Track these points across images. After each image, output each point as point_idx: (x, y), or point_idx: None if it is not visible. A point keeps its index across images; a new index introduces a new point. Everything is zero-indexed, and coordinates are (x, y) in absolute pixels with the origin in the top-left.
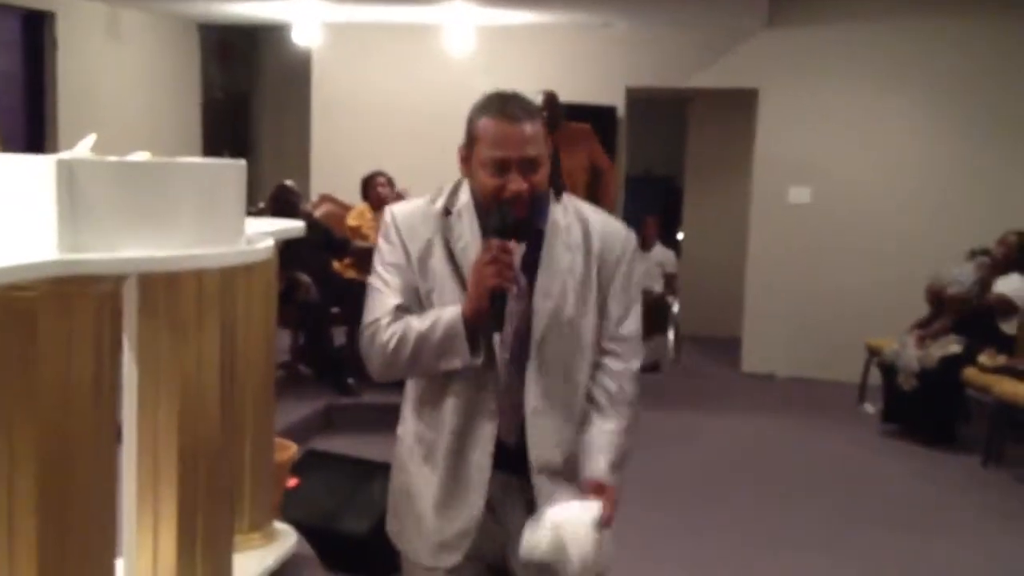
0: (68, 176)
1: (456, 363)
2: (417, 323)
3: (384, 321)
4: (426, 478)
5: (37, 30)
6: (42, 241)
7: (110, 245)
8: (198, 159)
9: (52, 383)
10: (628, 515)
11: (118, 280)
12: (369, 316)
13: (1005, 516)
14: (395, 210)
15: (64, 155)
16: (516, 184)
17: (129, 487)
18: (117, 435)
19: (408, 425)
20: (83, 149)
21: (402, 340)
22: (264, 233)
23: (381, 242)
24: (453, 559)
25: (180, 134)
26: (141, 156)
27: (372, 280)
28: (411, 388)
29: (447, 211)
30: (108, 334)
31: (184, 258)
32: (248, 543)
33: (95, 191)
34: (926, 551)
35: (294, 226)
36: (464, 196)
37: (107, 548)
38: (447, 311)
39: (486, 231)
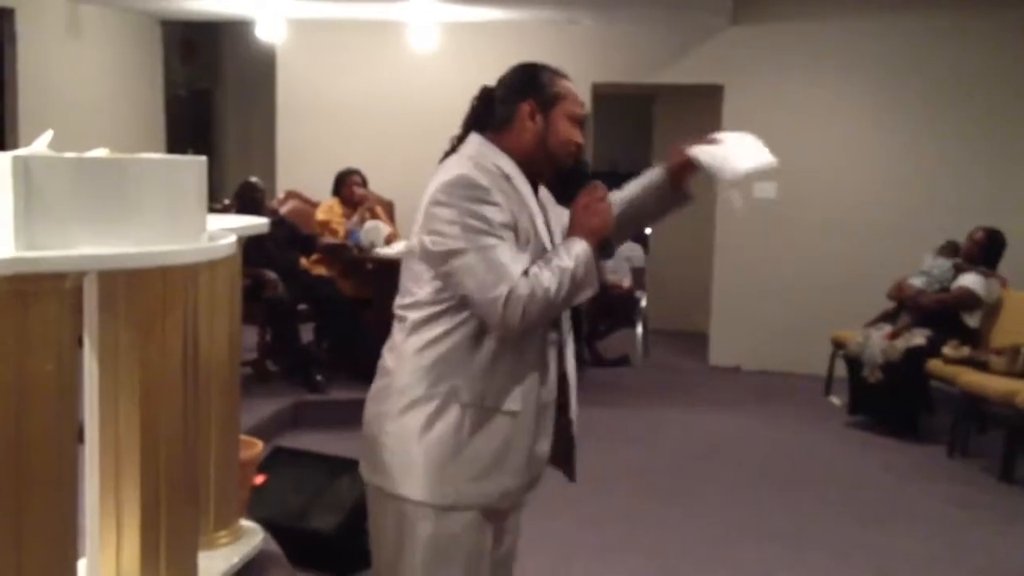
0: (25, 173)
1: (588, 294)
2: (559, 263)
3: (532, 271)
4: (515, 427)
5: None
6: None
7: (68, 242)
8: (157, 155)
9: (9, 383)
10: (597, 507)
11: (77, 277)
12: (501, 275)
13: (971, 506)
14: (476, 174)
15: (21, 151)
16: (582, 138)
17: (91, 487)
18: (78, 435)
19: (433, 386)
20: (40, 145)
21: (560, 282)
22: (227, 230)
23: (479, 207)
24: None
25: (143, 131)
26: (100, 152)
27: (483, 241)
28: (456, 358)
29: (506, 176)
30: (67, 332)
31: (144, 255)
32: (214, 542)
33: (52, 188)
34: (893, 541)
35: (257, 223)
36: (504, 160)
37: (68, 549)
38: (576, 245)
39: (571, 180)
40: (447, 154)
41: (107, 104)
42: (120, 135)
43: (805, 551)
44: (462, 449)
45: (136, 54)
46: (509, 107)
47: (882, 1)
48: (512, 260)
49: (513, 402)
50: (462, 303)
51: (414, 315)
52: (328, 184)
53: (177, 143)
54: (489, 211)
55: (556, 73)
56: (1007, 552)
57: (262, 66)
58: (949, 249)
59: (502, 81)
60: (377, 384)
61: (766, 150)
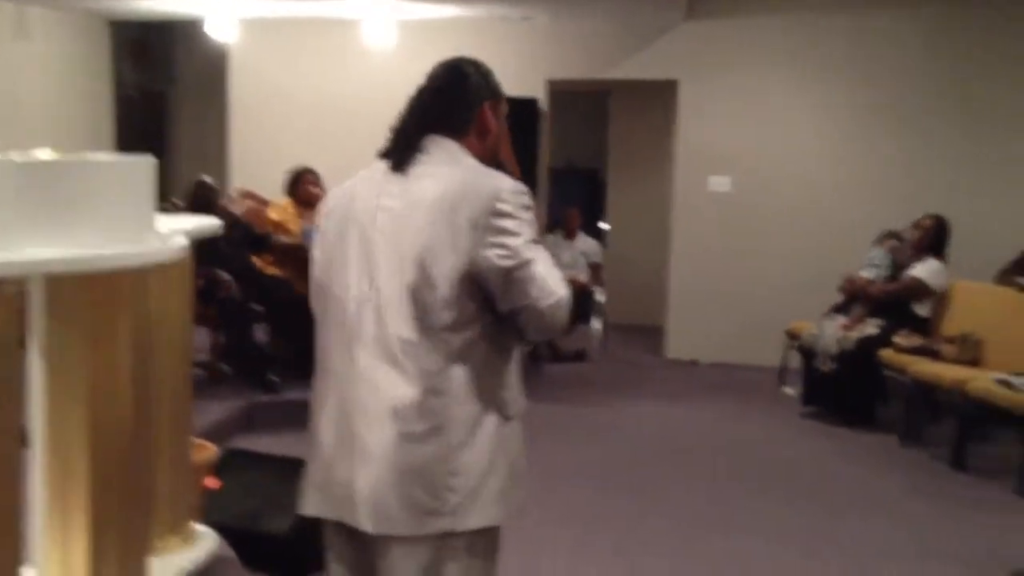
0: None
1: None
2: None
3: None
4: (518, 435)
5: None
6: None
7: (11, 245)
8: (104, 156)
9: None
10: (561, 504)
11: (19, 282)
12: (557, 281)
13: (925, 493)
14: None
15: None
16: None
17: (38, 493)
18: (23, 439)
19: (486, 405)
20: None
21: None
22: (178, 231)
23: (531, 215)
24: None
25: (92, 133)
26: (44, 153)
27: (541, 250)
28: (492, 374)
29: None
30: (8, 337)
31: (91, 258)
32: (166, 547)
33: None
34: (851, 528)
35: (210, 223)
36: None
37: (11, 556)
38: None
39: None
40: (400, 157)
41: (55, 105)
42: (69, 136)
43: (766, 540)
44: (513, 462)
45: (85, 55)
46: (472, 109)
47: None
48: (552, 265)
49: (522, 402)
50: (492, 317)
51: (461, 336)
52: (281, 183)
53: (128, 145)
54: (531, 219)
55: (488, 69)
56: (968, 538)
57: (215, 66)
58: (886, 238)
59: (456, 77)
60: (404, 430)
61: None
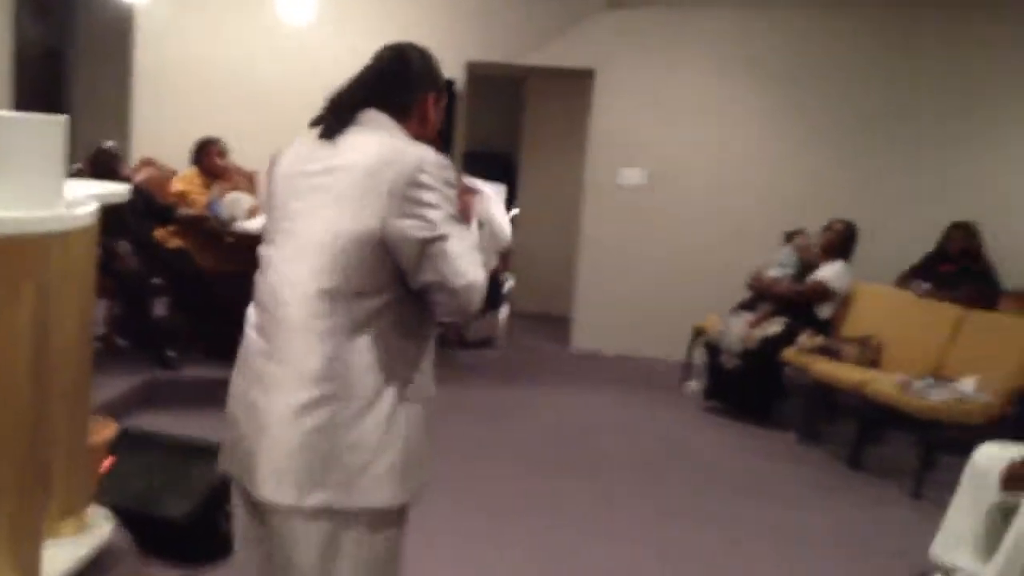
0: None
1: None
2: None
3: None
4: (429, 414)
5: None
6: None
7: None
8: (9, 113)
9: None
10: (458, 490)
11: None
12: (471, 262)
13: (823, 488)
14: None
15: None
16: None
17: None
18: None
19: (387, 382)
20: None
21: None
22: (88, 197)
23: (452, 192)
24: None
25: None
26: None
27: (458, 227)
28: (398, 349)
29: None
30: None
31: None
32: (60, 530)
33: None
34: (743, 516)
35: (118, 190)
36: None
37: None
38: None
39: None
40: (331, 126)
41: None
42: None
43: (663, 526)
44: (410, 444)
45: None
46: (413, 94)
47: None
48: (472, 247)
49: (430, 388)
50: (402, 294)
51: (357, 307)
52: (186, 153)
53: (25, 104)
54: (452, 195)
55: (433, 57)
56: (866, 533)
57: (117, 27)
58: (790, 237)
59: (401, 61)
60: (307, 394)
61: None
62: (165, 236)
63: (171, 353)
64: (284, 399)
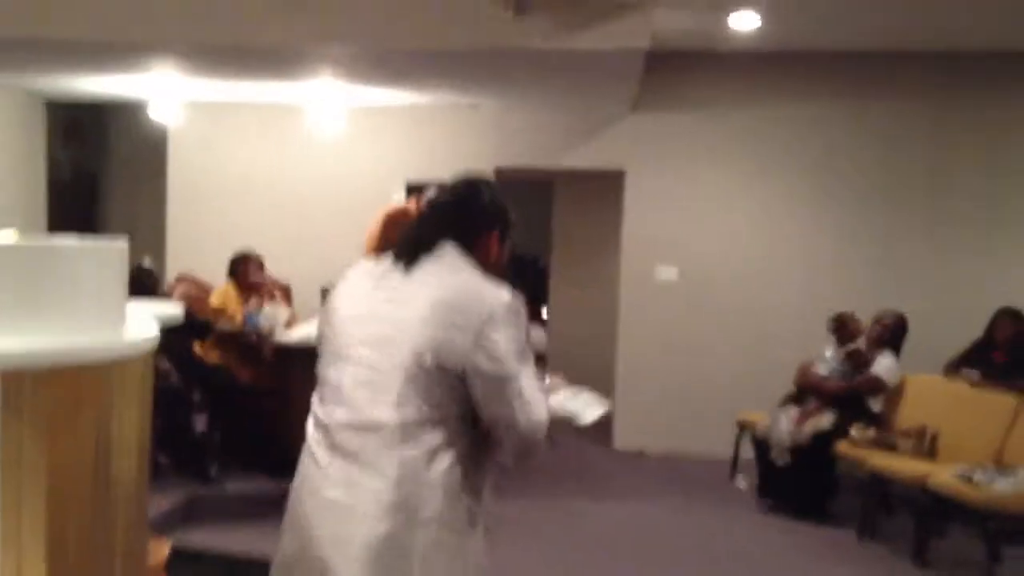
0: None
1: None
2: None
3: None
4: (482, 544)
5: None
6: None
7: None
8: (74, 241)
9: None
10: None
11: None
12: (539, 404)
13: None
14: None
15: None
16: None
17: None
18: None
19: (458, 509)
20: None
21: None
22: (147, 320)
23: (521, 334)
24: None
25: (24, 214)
26: (7, 236)
27: (527, 369)
28: (468, 477)
29: None
30: None
31: (57, 352)
32: None
33: None
34: None
35: (173, 311)
36: None
37: None
38: None
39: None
40: (409, 257)
41: None
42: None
43: None
44: (478, 571)
45: (18, 134)
46: (479, 231)
47: (779, 91)
48: (539, 388)
49: (489, 519)
50: (472, 423)
51: (434, 436)
52: (221, 268)
53: (60, 228)
54: (523, 337)
55: (500, 192)
56: None
57: (151, 148)
58: (837, 323)
59: (473, 196)
60: (383, 525)
61: (600, 402)
62: (204, 351)
63: (212, 469)
64: (360, 528)
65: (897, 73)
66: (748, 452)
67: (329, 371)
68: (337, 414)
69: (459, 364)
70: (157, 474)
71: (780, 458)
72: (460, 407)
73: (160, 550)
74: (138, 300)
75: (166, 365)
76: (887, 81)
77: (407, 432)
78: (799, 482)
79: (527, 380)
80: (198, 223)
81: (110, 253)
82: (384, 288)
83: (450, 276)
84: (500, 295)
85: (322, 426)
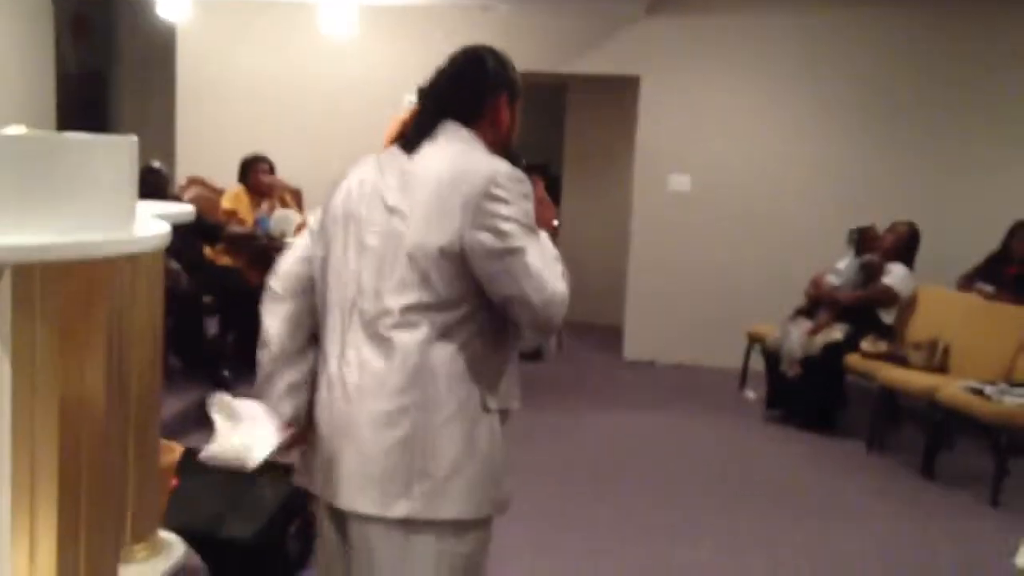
0: None
1: None
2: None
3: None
4: (499, 430)
5: None
6: None
7: None
8: (84, 134)
9: None
10: (518, 506)
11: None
12: (552, 274)
13: (896, 500)
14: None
15: None
16: None
17: (4, 498)
18: None
19: (468, 394)
20: None
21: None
22: (157, 217)
23: (528, 204)
24: None
25: (32, 111)
26: (16, 130)
27: (536, 239)
28: (481, 360)
29: None
30: None
31: (67, 246)
32: (133, 555)
33: None
34: (819, 534)
35: (184, 210)
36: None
37: None
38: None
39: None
40: (412, 140)
41: None
42: (7, 114)
43: (738, 551)
44: (492, 456)
45: (25, 28)
46: (484, 97)
47: None
48: (552, 259)
49: (515, 399)
50: (485, 304)
51: (440, 318)
52: (233, 170)
53: (68, 125)
54: (532, 208)
55: (508, 60)
56: (944, 547)
57: (160, 47)
58: (856, 235)
59: (472, 65)
60: (391, 403)
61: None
62: (215, 255)
63: (225, 371)
64: (368, 408)
65: None
66: (758, 364)
67: (334, 259)
68: (344, 301)
69: (458, 242)
70: (170, 377)
71: (790, 369)
72: (465, 290)
73: (171, 452)
74: (148, 200)
75: (177, 267)
76: None
77: (408, 317)
78: (809, 394)
79: (535, 253)
80: (208, 125)
81: (120, 147)
82: (387, 175)
83: (445, 153)
84: (496, 165)
85: (333, 312)
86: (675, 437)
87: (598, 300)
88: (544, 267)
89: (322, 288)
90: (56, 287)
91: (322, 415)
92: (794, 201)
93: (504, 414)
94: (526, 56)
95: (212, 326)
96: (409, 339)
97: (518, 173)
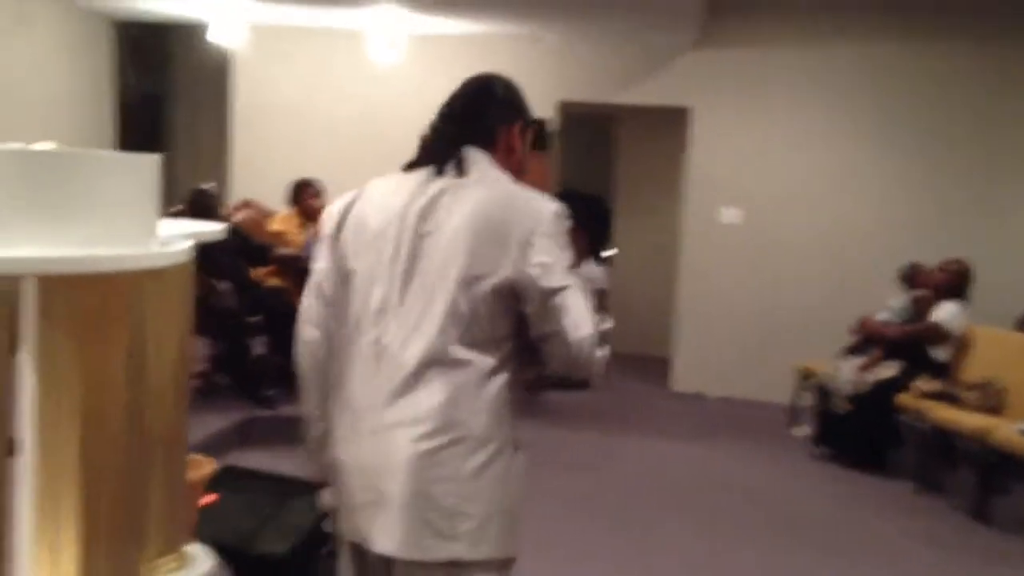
0: None
1: None
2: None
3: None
4: (523, 466)
5: None
6: None
7: (4, 242)
8: (106, 151)
9: None
10: (553, 533)
11: (10, 281)
12: (590, 314)
13: (945, 545)
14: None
15: None
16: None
17: (26, 509)
18: (10, 449)
19: (505, 432)
20: None
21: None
22: (180, 235)
23: (566, 240)
24: None
25: (93, 134)
26: (45, 146)
27: (576, 278)
28: (500, 396)
29: None
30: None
31: (87, 259)
32: (159, 568)
33: None
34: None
35: (212, 228)
36: None
37: None
38: None
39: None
40: (437, 167)
41: (56, 105)
42: (69, 137)
43: None
44: (521, 494)
45: (87, 54)
46: (497, 123)
47: (844, 26)
48: (587, 300)
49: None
50: (520, 342)
51: (489, 356)
52: (283, 194)
53: (127, 148)
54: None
55: (519, 89)
56: None
57: (216, 71)
58: (907, 272)
59: (485, 91)
60: (430, 444)
61: None
62: (263, 275)
63: (269, 391)
64: (406, 453)
65: (980, 10)
66: (808, 400)
67: (361, 289)
68: (380, 337)
69: (506, 281)
70: (215, 395)
71: (840, 407)
72: (508, 328)
73: (202, 467)
74: (197, 221)
75: (226, 288)
76: (972, 19)
77: (456, 356)
78: (859, 432)
79: (577, 292)
80: (261, 148)
81: (140, 164)
82: (417, 199)
83: (487, 189)
84: (545, 205)
85: (364, 350)
86: (719, 470)
87: (647, 331)
88: (582, 308)
89: (339, 317)
90: (76, 299)
91: (348, 453)
92: (846, 235)
93: (520, 451)
94: (574, 87)
95: (258, 346)
96: (455, 378)
97: (563, 211)
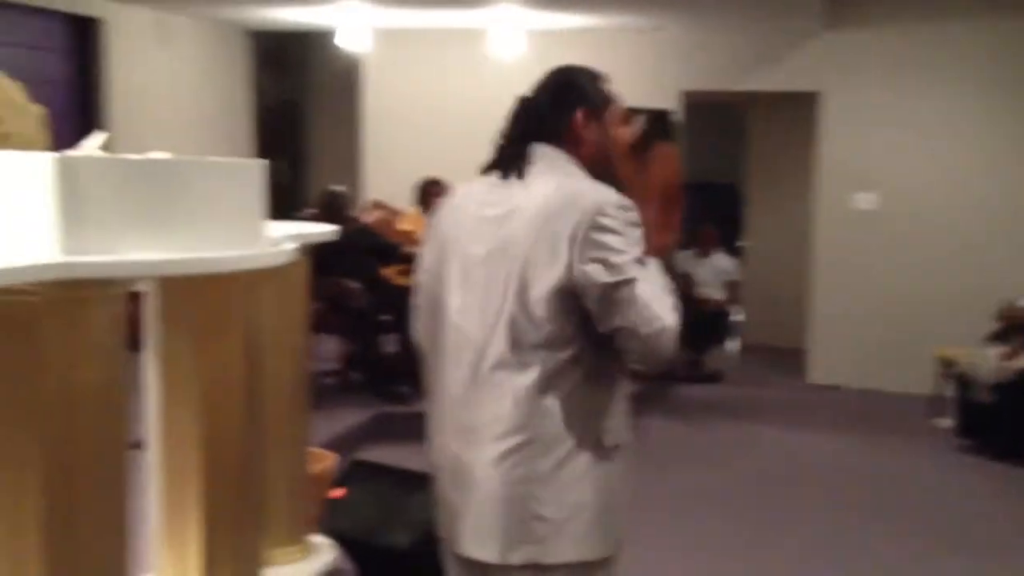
0: (68, 174)
1: None
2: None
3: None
4: (619, 467)
5: (86, 36)
6: (42, 243)
7: (116, 247)
8: (213, 158)
9: (56, 392)
10: (686, 525)
11: (124, 283)
12: (662, 306)
13: None
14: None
15: (65, 153)
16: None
17: (154, 502)
18: (134, 447)
19: (583, 430)
20: (91, 147)
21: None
22: (288, 236)
23: (637, 232)
24: None
25: (233, 142)
26: (159, 155)
27: (645, 270)
28: (591, 398)
29: None
30: (115, 341)
31: (204, 261)
32: (284, 557)
33: (100, 190)
34: (1001, 572)
35: (325, 230)
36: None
37: (119, 563)
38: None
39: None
40: (504, 168)
41: (196, 114)
42: (210, 146)
43: None
44: (610, 494)
45: (225, 65)
46: (561, 116)
47: (989, 1)
48: (661, 290)
49: (623, 435)
50: (594, 339)
51: (558, 355)
52: (411, 193)
53: (267, 154)
54: (640, 236)
55: (595, 75)
56: None
57: (348, 76)
58: None
59: (554, 84)
60: (504, 446)
61: None
62: (394, 274)
63: (403, 388)
64: (483, 453)
65: None
66: (948, 389)
67: (441, 294)
68: (455, 339)
69: (568, 277)
70: (350, 391)
71: (983, 396)
72: (575, 327)
73: (323, 460)
74: (329, 224)
75: (357, 287)
76: None
77: (521, 358)
78: (1003, 422)
79: (645, 284)
80: (391, 150)
81: (247, 169)
82: (487, 206)
83: (547, 181)
84: (604, 194)
85: (443, 351)
86: (856, 464)
87: (781, 321)
88: (653, 299)
89: (428, 321)
90: (194, 299)
91: (439, 459)
92: (986, 219)
93: (616, 449)
94: (699, 75)
95: (390, 343)
96: (521, 380)
97: (625, 201)
